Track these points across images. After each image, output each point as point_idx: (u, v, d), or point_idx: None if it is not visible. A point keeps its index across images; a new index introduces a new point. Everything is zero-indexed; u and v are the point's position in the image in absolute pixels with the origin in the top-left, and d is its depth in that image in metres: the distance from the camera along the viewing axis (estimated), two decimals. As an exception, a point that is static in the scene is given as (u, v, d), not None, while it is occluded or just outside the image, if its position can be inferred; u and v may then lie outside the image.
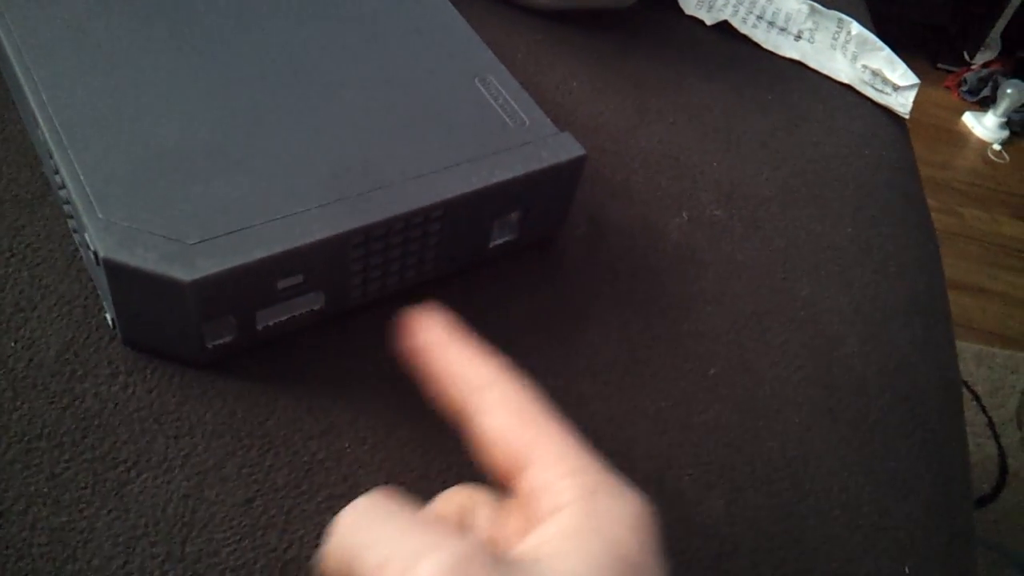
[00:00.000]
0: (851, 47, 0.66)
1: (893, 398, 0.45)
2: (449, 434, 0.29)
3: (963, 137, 2.34)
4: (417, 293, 0.41)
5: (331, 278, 0.37)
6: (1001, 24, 2.38)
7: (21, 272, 0.38)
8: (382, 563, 0.22)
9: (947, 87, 2.46)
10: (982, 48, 2.43)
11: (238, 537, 0.33)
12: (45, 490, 0.32)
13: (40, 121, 0.36)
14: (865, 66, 0.65)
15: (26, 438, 0.34)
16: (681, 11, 0.64)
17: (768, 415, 0.42)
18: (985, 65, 2.44)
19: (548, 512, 0.24)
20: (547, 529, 0.24)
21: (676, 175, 0.52)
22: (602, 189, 0.49)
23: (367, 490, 0.34)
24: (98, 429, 0.34)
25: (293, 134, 0.38)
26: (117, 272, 0.33)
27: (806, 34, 0.66)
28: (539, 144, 0.40)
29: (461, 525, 0.27)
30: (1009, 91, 2.25)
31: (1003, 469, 1.60)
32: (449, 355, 0.28)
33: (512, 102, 0.42)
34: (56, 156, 0.35)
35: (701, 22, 0.64)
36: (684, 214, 0.49)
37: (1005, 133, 2.32)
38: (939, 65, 2.48)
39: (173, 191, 0.35)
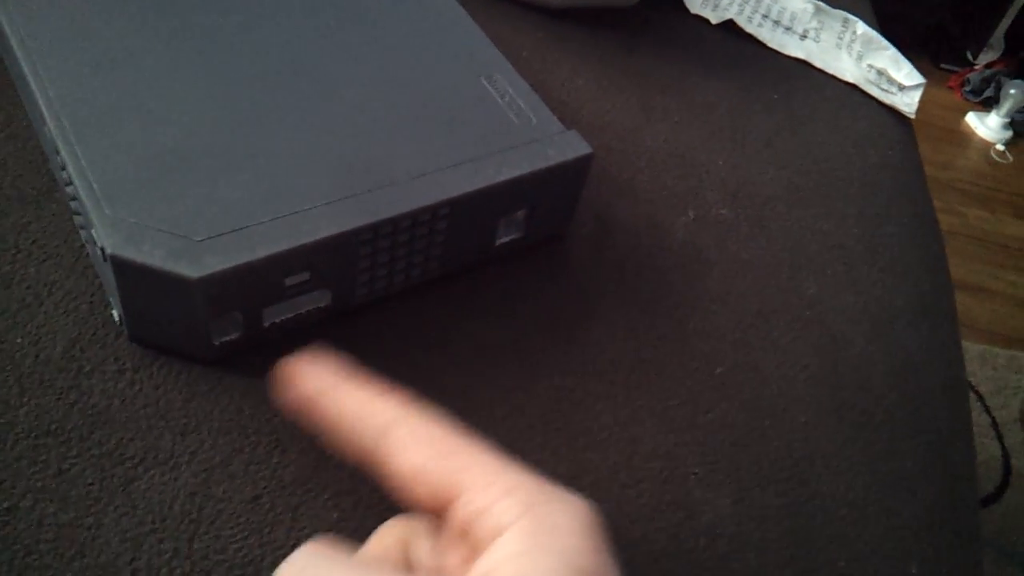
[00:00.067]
0: (857, 46, 0.66)
1: (899, 398, 0.44)
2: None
3: (966, 137, 2.34)
4: (422, 291, 0.41)
5: (338, 275, 0.37)
6: (1005, 24, 2.38)
7: (28, 268, 0.38)
8: None
9: (950, 87, 2.46)
10: (985, 48, 2.43)
11: (245, 534, 0.33)
12: (52, 486, 0.32)
13: (47, 117, 0.36)
14: (871, 65, 0.65)
15: (33, 434, 0.34)
16: (686, 10, 0.64)
17: (774, 414, 0.42)
18: (988, 65, 2.44)
19: (490, 536, 0.23)
20: (494, 554, 0.23)
21: (682, 174, 0.52)
22: (608, 187, 0.49)
23: (373, 488, 0.35)
24: (105, 425, 0.34)
25: (300, 131, 0.38)
26: (124, 268, 0.33)
27: (812, 33, 0.66)
28: (546, 142, 0.40)
29: (404, 560, 0.26)
30: (1012, 91, 2.25)
31: (1006, 469, 1.60)
32: (344, 400, 0.27)
33: (518, 100, 0.42)
34: (63, 152, 0.35)
35: (707, 21, 0.64)
36: (690, 213, 0.49)
37: (1008, 133, 2.32)
38: (942, 65, 2.48)
39: (180, 188, 0.35)
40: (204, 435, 0.35)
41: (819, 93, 0.62)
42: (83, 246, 0.39)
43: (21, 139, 0.43)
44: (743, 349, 0.44)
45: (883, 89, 0.64)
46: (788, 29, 0.65)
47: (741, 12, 0.65)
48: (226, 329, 0.36)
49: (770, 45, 0.64)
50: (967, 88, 2.42)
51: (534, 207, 0.41)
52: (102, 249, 0.33)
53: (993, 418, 1.67)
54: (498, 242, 0.42)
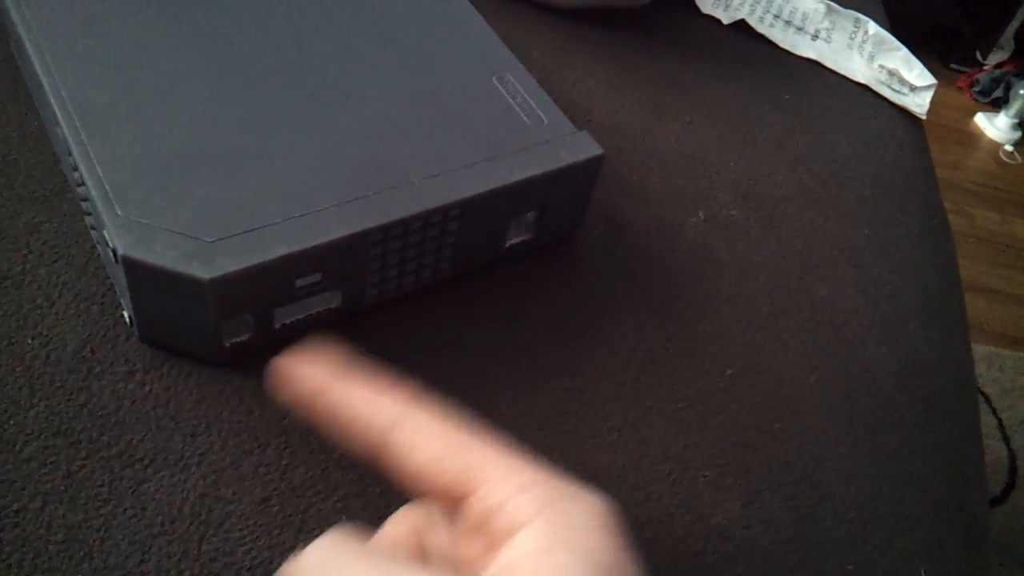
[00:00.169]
0: (868, 47, 0.65)
1: (910, 400, 0.44)
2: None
3: (975, 138, 2.33)
4: (432, 292, 0.41)
5: (348, 277, 0.37)
6: (1014, 25, 2.37)
7: (39, 269, 0.38)
8: None
9: (959, 88, 2.45)
10: (995, 49, 2.42)
11: (255, 536, 0.33)
12: (61, 488, 0.32)
13: (59, 118, 0.36)
14: (882, 66, 0.65)
15: (43, 435, 0.34)
16: (698, 10, 0.64)
17: (784, 416, 0.42)
18: (998, 66, 2.43)
19: (509, 531, 0.23)
20: (514, 550, 0.23)
21: (693, 175, 0.51)
22: (619, 188, 0.49)
23: (382, 490, 0.35)
24: (115, 427, 0.34)
25: (311, 132, 0.38)
26: (135, 269, 0.33)
27: (823, 34, 0.65)
28: (557, 143, 0.40)
29: (419, 547, 0.26)
30: (1022, 92, 2.24)
31: (1013, 471, 1.60)
32: (348, 396, 0.26)
33: (530, 100, 0.42)
34: (75, 153, 0.35)
35: (718, 21, 0.64)
36: (700, 214, 0.49)
37: (1017, 134, 2.31)
38: (951, 65, 2.47)
39: (192, 189, 0.35)
40: (214, 437, 0.35)
41: (830, 94, 0.62)
42: (94, 247, 0.39)
43: (33, 140, 0.43)
44: (753, 351, 0.44)
45: (894, 90, 0.63)
46: (799, 29, 0.65)
47: (752, 12, 0.65)
48: (237, 330, 0.36)
49: (781, 45, 0.64)
50: (976, 88, 2.41)
51: (545, 208, 0.41)
52: (114, 250, 0.33)
53: (1000, 420, 1.67)
54: (508, 243, 0.42)
